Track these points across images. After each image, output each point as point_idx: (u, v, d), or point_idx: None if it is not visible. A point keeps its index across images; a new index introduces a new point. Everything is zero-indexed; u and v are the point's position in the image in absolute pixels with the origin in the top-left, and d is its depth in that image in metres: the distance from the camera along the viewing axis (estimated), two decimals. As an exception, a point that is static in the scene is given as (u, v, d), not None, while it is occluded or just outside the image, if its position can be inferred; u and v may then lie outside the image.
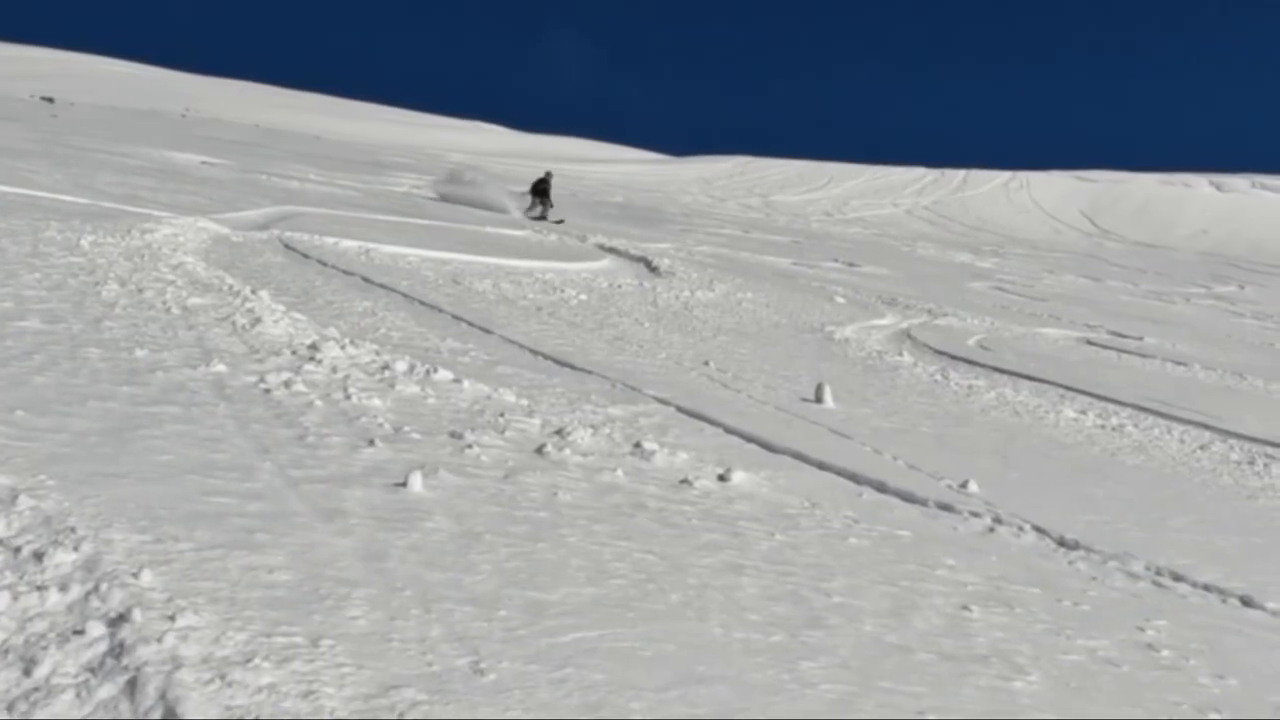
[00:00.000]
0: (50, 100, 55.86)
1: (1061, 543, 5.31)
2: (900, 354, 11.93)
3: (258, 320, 7.47)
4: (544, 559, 3.95)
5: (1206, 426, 9.53)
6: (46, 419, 4.76)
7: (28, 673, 2.75)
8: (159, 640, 2.88)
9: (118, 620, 2.97)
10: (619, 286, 14.34)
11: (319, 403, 5.71)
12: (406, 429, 5.46)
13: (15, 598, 3.08)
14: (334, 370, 6.43)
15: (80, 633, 2.92)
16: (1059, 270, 34.79)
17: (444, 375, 6.69)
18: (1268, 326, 23.36)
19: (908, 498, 5.75)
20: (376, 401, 5.90)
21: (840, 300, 17.02)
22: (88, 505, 3.80)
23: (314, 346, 6.88)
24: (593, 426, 6.05)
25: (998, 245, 47.91)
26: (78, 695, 2.68)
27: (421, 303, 10.15)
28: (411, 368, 6.72)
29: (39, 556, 3.33)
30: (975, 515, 5.57)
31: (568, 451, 5.47)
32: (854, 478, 6.01)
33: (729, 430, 6.72)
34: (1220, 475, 7.75)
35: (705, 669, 3.23)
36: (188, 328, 7.10)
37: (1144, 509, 6.38)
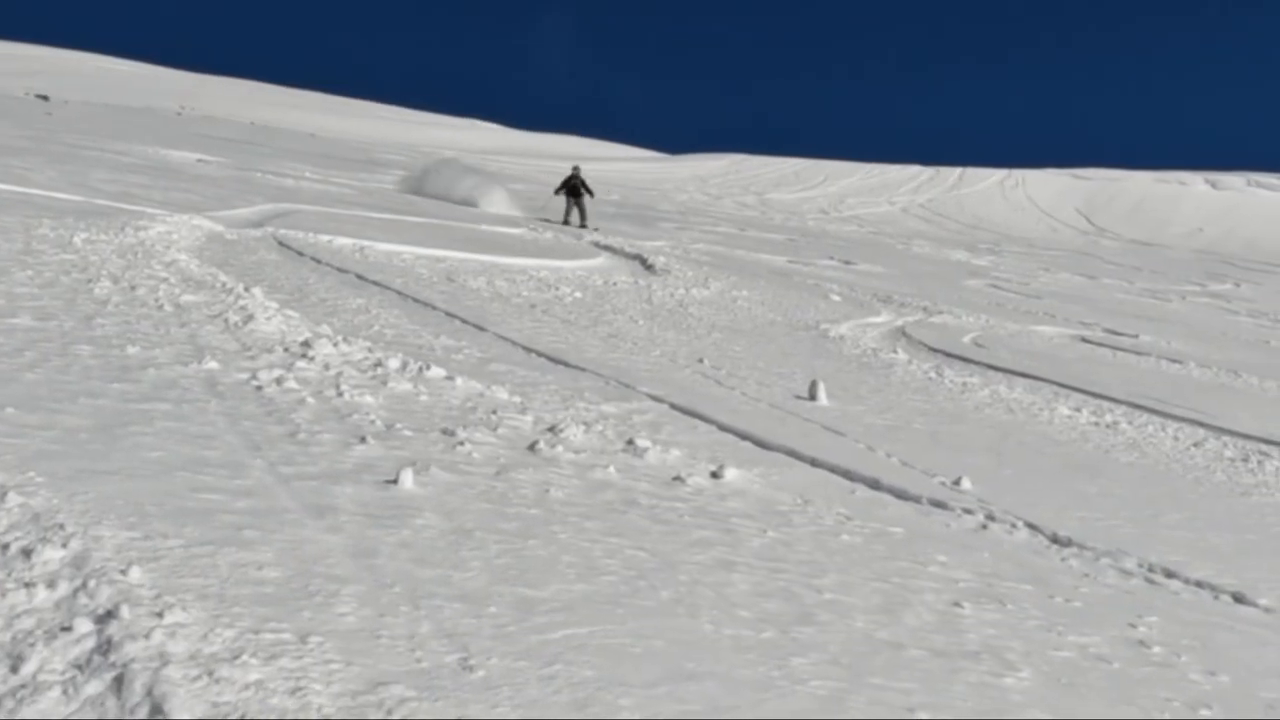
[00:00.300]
0: (45, 98, 55.74)
1: (1054, 539, 5.31)
2: (895, 351, 11.92)
3: (250, 317, 7.46)
4: (535, 556, 3.95)
5: (1200, 424, 9.53)
6: (36, 416, 4.74)
7: (15, 670, 2.74)
8: (147, 637, 2.87)
9: (105, 617, 2.96)
10: (614, 284, 14.33)
11: (311, 400, 5.70)
12: (398, 426, 5.45)
13: (3, 595, 3.07)
14: (326, 367, 6.42)
15: (68, 629, 2.91)
16: (1054, 268, 34.79)
17: (437, 372, 6.68)
18: (1262, 324, 23.38)
19: (901, 495, 5.75)
20: (368, 399, 5.89)
21: (835, 298, 17.01)
22: (77, 502, 3.79)
23: (306, 344, 6.87)
24: (585, 424, 6.04)
25: (993, 243, 47.93)
26: (64, 692, 2.67)
27: (415, 300, 10.14)
28: (404, 365, 6.71)
29: (27, 553, 3.32)
30: (968, 512, 5.57)
31: (560, 449, 5.47)
32: (847, 475, 6.01)
33: (722, 427, 6.72)
34: (1214, 472, 7.76)
35: (695, 665, 3.22)
36: (180, 325, 7.09)
37: (1137, 506, 6.38)
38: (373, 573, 3.55)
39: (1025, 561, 4.91)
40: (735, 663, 3.29)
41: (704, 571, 4.07)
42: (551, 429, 5.79)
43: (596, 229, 23.85)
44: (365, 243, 14.14)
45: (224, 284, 8.77)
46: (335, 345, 6.94)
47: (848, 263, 25.50)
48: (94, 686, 2.68)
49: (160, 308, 7.52)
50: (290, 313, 7.97)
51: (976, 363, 11.92)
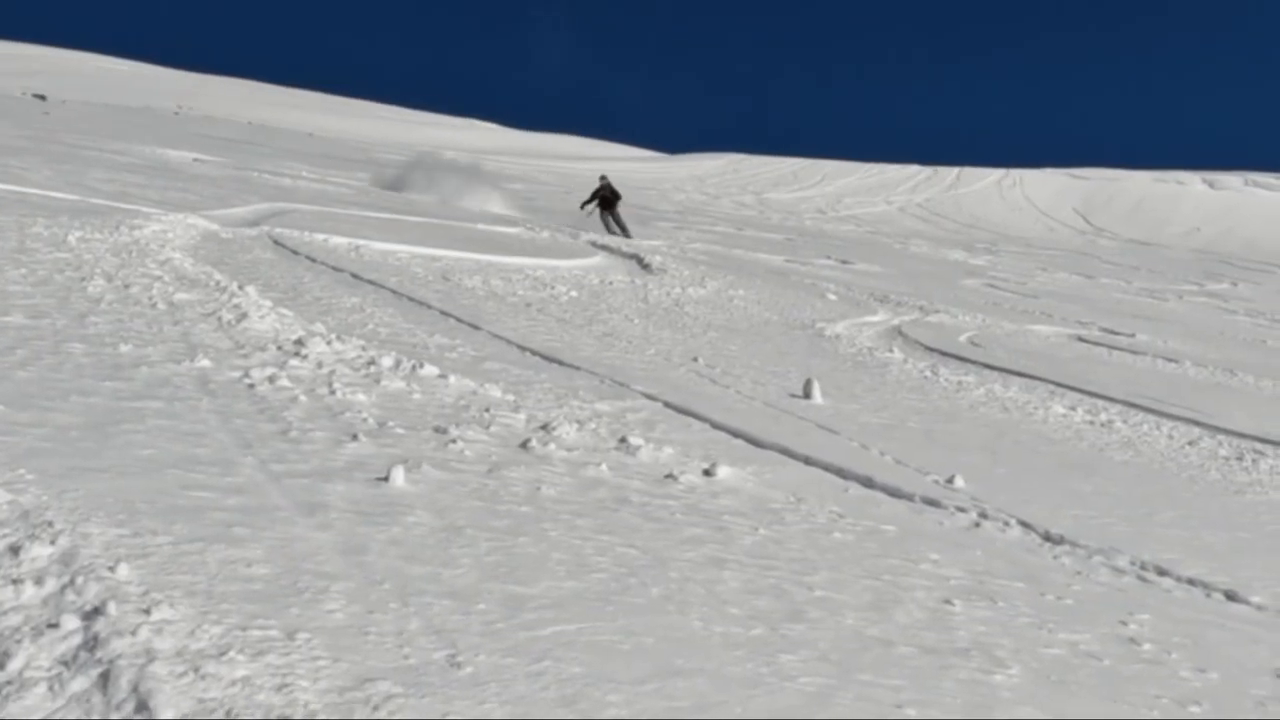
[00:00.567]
0: (43, 98, 55.72)
1: (1047, 537, 5.30)
2: (891, 350, 11.92)
3: (244, 316, 7.45)
4: (525, 553, 3.94)
5: (1196, 423, 9.53)
6: (27, 413, 4.74)
7: (1, 666, 2.73)
8: (133, 633, 2.86)
9: (93, 614, 2.96)
10: (610, 283, 14.32)
11: (303, 398, 5.70)
12: (390, 424, 5.45)
13: (-11, 591, 3.06)
14: (319, 365, 6.42)
15: (55, 626, 2.90)
16: (1052, 267, 34.81)
17: (430, 370, 6.67)
18: (1260, 323, 23.38)
19: (894, 493, 5.75)
20: (361, 396, 5.89)
21: (832, 297, 17.02)
22: (66, 499, 3.78)
23: (300, 342, 6.86)
24: (579, 422, 6.04)
25: (991, 242, 47.94)
26: (50, 688, 2.66)
27: (410, 299, 10.14)
28: (398, 363, 6.71)
29: (15, 550, 3.31)
30: (961, 510, 5.57)
31: (552, 446, 5.46)
32: (840, 473, 6.00)
33: (716, 426, 6.71)
34: (1208, 471, 7.76)
35: (684, 662, 3.21)
36: (173, 323, 7.08)
37: (1131, 504, 6.37)
38: (362, 570, 3.55)
39: (1017, 559, 4.91)
40: (724, 659, 3.28)
41: (695, 569, 4.07)
42: (544, 427, 5.78)
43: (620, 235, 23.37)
44: (361, 242, 14.13)
45: (218, 282, 8.77)
46: (329, 343, 6.94)
47: (845, 262, 25.51)
48: (80, 683, 2.67)
49: (154, 306, 7.52)
50: (284, 311, 7.97)
51: (972, 362, 11.92)
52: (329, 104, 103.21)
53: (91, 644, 2.82)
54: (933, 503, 5.64)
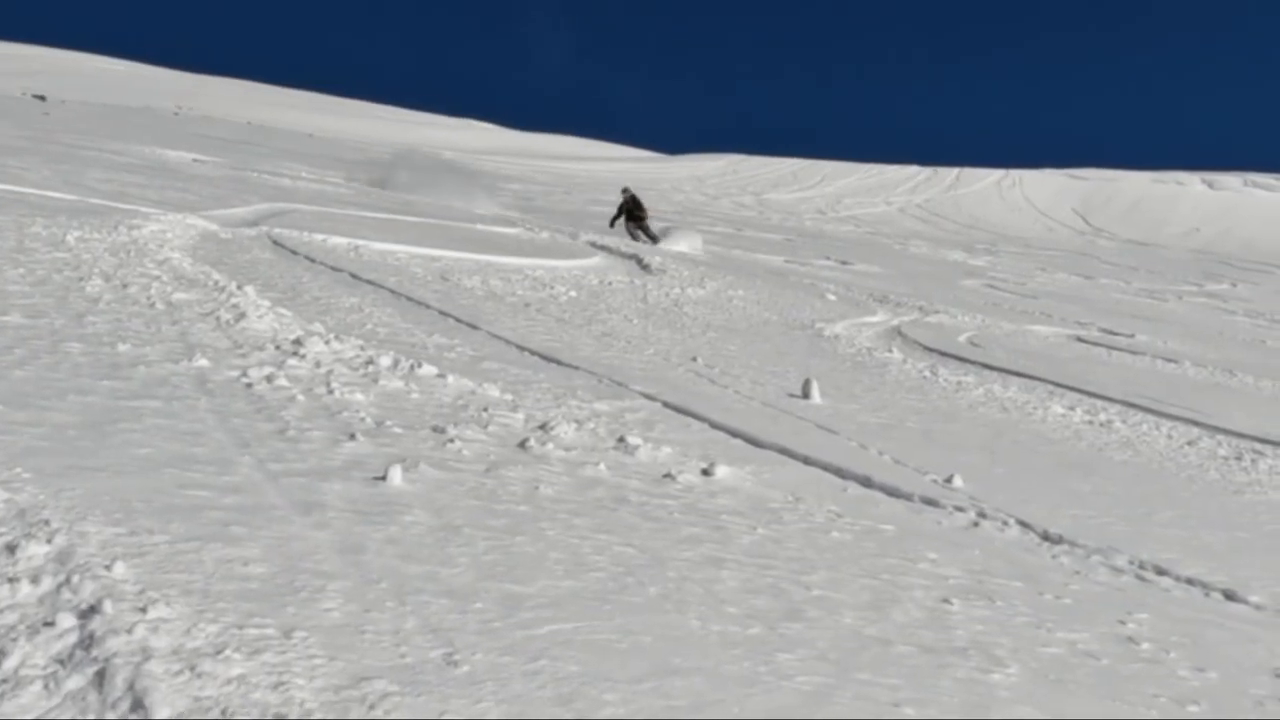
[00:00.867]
0: (42, 98, 55.70)
1: (1045, 537, 5.30)
2: (890, 351, 11.92)
3: (242, 315, 7.45)
4: (522, 552, 3.94)
5: (1195, 423, 9.53)
6: (24, 413, 4.73)
7: (-4, 664, 2.73)
8: (129, 632, 2.86)
9: (89, 612, 2.95)
10: (609, 284, 14.32)
11: (301, 397, 5.69)
12: (388, 423, 5.44)
13: (-15, 590, 3.05)
14: (317, 365, 6.41)
15: (50, 624, 2.89)
16: (1051, 268, 34.82)
17: (428, 370, 6.67)
18: (1259, 324, 23.39)
19: (892, 492, 5.74)
20: (359, 396, 5.88)
21: (831, 297, 17.01)
22: (63, 498, 3.77)
23: (298, 341, 6.86)
24: (577, 421, 6.03)
25: (990, 243, 47.95)
26: (46, 687, 2.65)
27: (409, 299, 10.13)
28: (396, 363, 6.70)
29: (11, 549, 3.30)
30: (960, 510, 5.56)
31: (550, 446, 5.46)
32: (839, 472, 5.99)
33: (714, 425, 6.71)
34: (1207, 470, 7.75)
35: (681, 661, 3.21)
36: (171, 323, 7.08)
37: (1130, 504, 6.37)
38: (359, 569, 3.54)
39: (1016, 559, 4.90)
40: (722, 658, 3.28)
41: (693, 568, 4.06)
42: (543, 426, 5.78)
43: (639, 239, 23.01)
44: (360, 242, 14.12)
45: (216, 282, 8.76)
46: (327, 343, 6.93)
47: (844, 263, 25.51)
48: (75, 681, 2.67)
49: (152, 306, 7.51)
50: (282, 311, 7.96)
51: (971, 362, 11.92)
52: (327, 104, 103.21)
53: (87, 642, 2.81)
54: (931, 502, 5.64)
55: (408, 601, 3.33)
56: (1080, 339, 16.14)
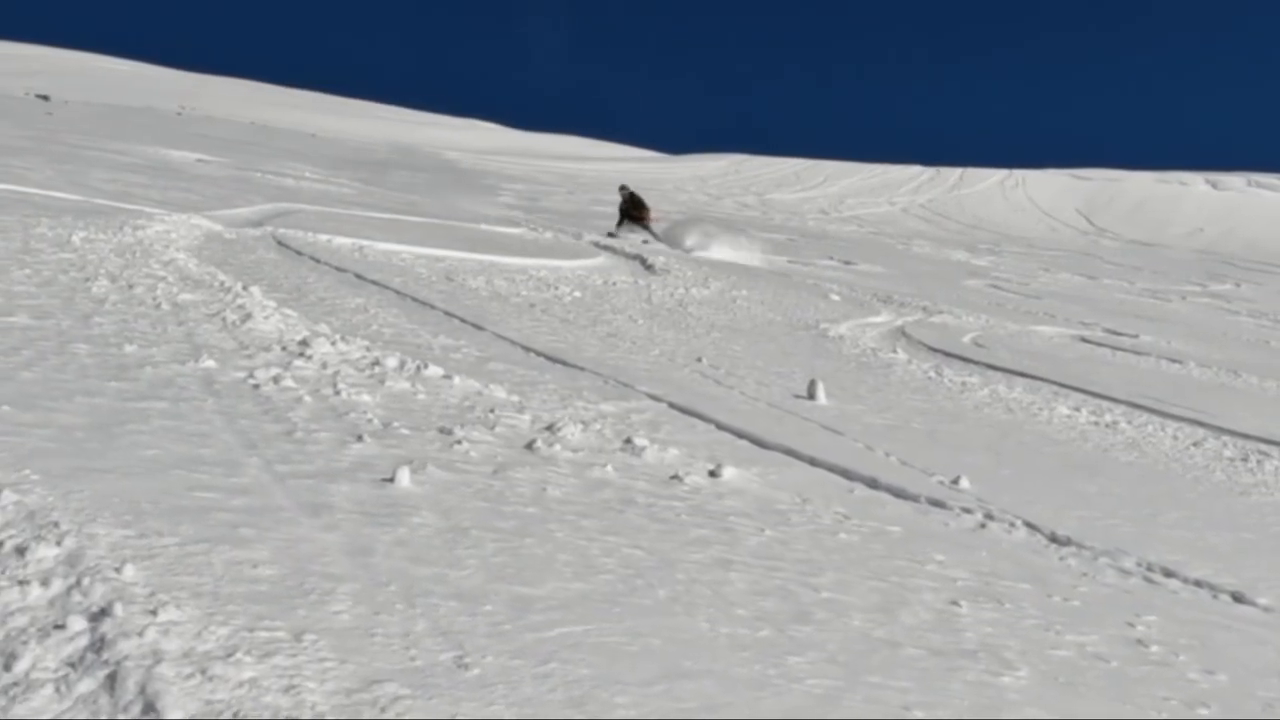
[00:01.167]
0: (46, 98, 55.72)
1: (1053, 539, 5.30)
2: (894, 351, 11.91)
3: (248, 316, 7.45)
4: (531, 554, 3.93)
5: (1200, 423, 9.52)
6: (32, 414, 4.73)
7: (7, 667, 2.73)
8: (140, 635, 2.86)
9: (99, 615, 2.95)
10: (613, 284, 14.32)
11: (308, 398, 5.69)
12: (395, 424, 5.44)
13: (-4, 592, 3.05)
14: (324, 366, 6.41)
15: (61, 627, 2.90)
16: (1055, 268, 34.77)
17: (434, 371, 6.67)
18: (1263, 324, 23.36)
19: (899, 494, 5.74)
20: (366, 397, 5.88)
21: (835, 298, 16.99)
22: (72, 500, 3.77)
23: (304, 342, 6.86)
24: (583, 423, 6.03)
25: (993, 243, 47.90)
26: (57, 690, 2.66)
27: (414, 299, 10.13)
28: (402, 364, 6.70)
29: (21, 551, 3.30)
30: (966, 511, 5.56)
31: (558, 447, 5.46)
32: (845, 474, 5.99)
33: (721, 426, 6.71)
34: (1213, 472, 7.74)
35: (691, 664, 3.21)
36: (178, 324, 7.08)
37: (1136, 505, 6.36)
38: (368, 571, 3.54)
39: (1023, 560, 4.90)
40: (732, 661, 3.28)
41: (701, 570, 4.06)
42: (549, 428, 5.78)
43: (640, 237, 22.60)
44: (364, 242, 14.13)
45: (222, 283, 8.77)
46: (333, 344, 6.93)
47: (848, 263, 25.49)
48: (87, 684, 2.67)
49: (158, 306, 7.52)
50: (288, 311, 7.96)
51: (976, 362, 11.91)
52: (329, 104, 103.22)
53: (98, 645, 2.81)
54: (938, 504, 5.64)
55: (417, 604, 3.33)
56: (1084, 339, 16.13)
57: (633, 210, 23.41)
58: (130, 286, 8.04)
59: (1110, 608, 4.39)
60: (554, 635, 3.25)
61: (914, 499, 5.67)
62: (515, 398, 6.46)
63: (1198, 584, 4.89)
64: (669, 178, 70.55)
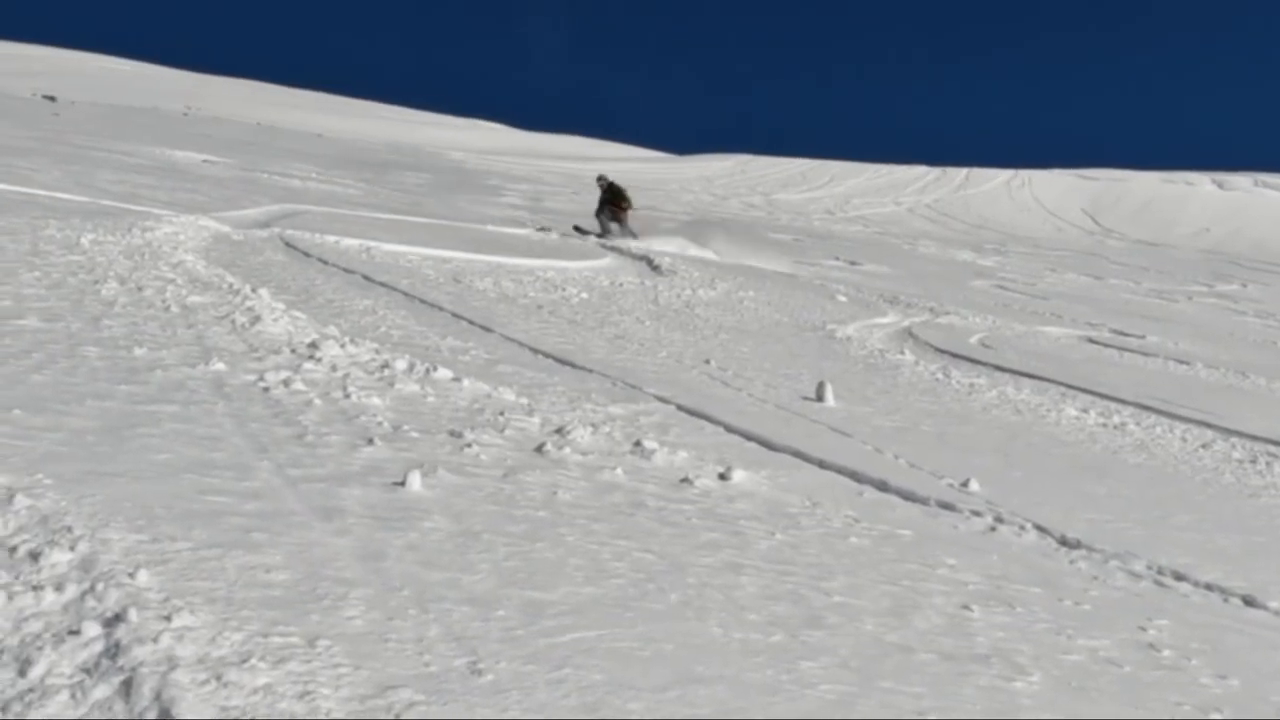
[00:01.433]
0: (52, 99, 55.81)
1: (1063, 542, 5.29)
2: (902, 352, 11.91)
3: (257, 319, 7.46)
4: (542, 558, 3.94)
5: (1209, 425, 9.50)
6: (43, 417, 4.74)
7: (23, 673, 2.73)
8: (155, 640, 2.86)
9: (114, 620, 2.96)
10: (620, 285, 14.32)
11: (318, 401, 5.70)
12: (405, 428, 5.44)
13: (10, 598, 3.06)
14: (333, 369, 6.42)
15: (76, 633, 2.90)
16: (1061, 268, 34.74)
17: (444, 374, 6.67)
18: (1270, 325, 23.32)
19: (909, 496, 5.73)
20: (376, 400, 5.89)
21: (842, 299, 16.98)
22: (84, 504, 3.78)
23: (314, 345, 6.87)
24: (593, 425, 6.03)
25: (999, 243, 47.85)
26: (73, 696, 2.66)
27: (422, 301, 10.14)
28: (411, 366, 6.71)
29: (35, 556, 3.31)
30: (976, 514, 5.56)
31: (567, 450, 5.46)
32: (855, 476, 5.99)
33: (729, 429, 6.71)
34: (1222, 474, 7.73)
35: (704, 669, 3.21)
36: (187, 326, 7.09)
37: (1146, 507, 6.36)
38: (381, 575, 3.54)
39: (1034, 564, 4.90)
40: (744, 666, 3.28)
41: (712, 574, 4.06)
42: (559, 430, 5.78)
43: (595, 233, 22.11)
44: (371, 243, 14.15)
45: (231, 285, 8.78)
46: (342, 346, 6.94)
47: (854, 263, 25.48)
48: (102, 690, 2.67)
49: (167, 309, 7.53)
50: (297, 314, 7.98)
51: (983, 364, 11.90)
52: (332, 104, 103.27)
53: (113, 651, 2.82)
54: (948, 506, 5.63)
55: (430, 609, 3.33)
56: (1091, 340, 16.11)
57: (611, 201, 22.28)
58: (139, 289, 8.05)
59: (1121, 611, 4.38)
60: (567, 640, 3.25)
61: (924, 502, 5.67)
62: (524, 400, 6.46)
63: (1209, 587, 4.89)
64: (675, 177, 70.53)
